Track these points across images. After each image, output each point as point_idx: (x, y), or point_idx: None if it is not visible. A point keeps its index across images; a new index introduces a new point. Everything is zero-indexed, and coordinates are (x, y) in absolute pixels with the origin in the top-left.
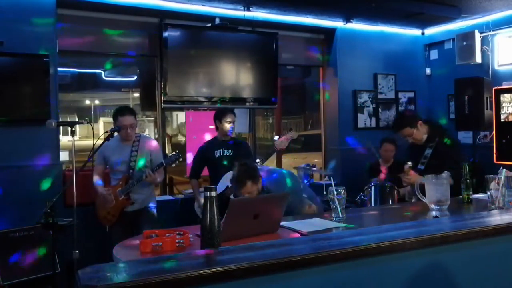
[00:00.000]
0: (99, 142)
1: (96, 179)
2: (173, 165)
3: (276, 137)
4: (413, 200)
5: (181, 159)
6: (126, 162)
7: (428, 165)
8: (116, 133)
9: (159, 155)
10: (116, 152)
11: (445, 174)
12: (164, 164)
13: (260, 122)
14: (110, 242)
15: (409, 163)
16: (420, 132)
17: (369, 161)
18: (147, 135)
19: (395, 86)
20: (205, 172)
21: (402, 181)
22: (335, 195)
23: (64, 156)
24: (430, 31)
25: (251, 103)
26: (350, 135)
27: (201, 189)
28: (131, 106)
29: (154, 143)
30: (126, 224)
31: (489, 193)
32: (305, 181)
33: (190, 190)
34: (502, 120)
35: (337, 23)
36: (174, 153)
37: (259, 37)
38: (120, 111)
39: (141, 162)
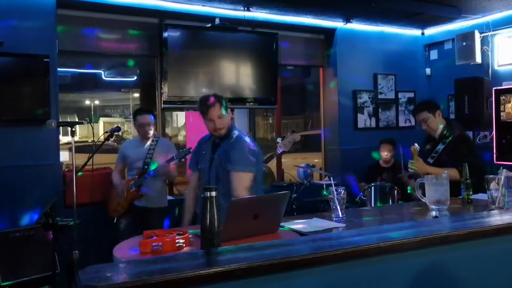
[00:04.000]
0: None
1: (115, 175)
2: (183, 160)
3: (279, 139)
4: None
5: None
6: (142, 158)
7: (437, 159)
8: (116, 133)
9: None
10: (134, 150)
11: (445, 174)
12: (175, 158)
13: (260, 122)
14: (116, 234)
15: (416, 144)
16: (436, 122)
17: (368, 163)
18: (164, 138)
19: (395, 86)
20: None
21: (405, 181)
22: (335, 195)
23: (64, 156)
24: (430, 31)
25: (251, 103)
26: (350, 135)
27: None
28: (131, 106)
29: (170, 144)
30: (133, 219)
31: (489, 193)
32: (305, 181)
33: None
34: (502, 120)
35: (337, 23)
36: (185, 148)
37: (259, 37)
38: (138, 111)
39: (157, 161)
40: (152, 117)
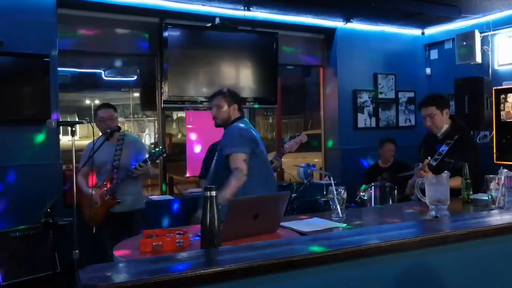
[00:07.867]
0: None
1: (80, 180)
2: (157, 161)
3: (286, 139)
4: (413, 197)
5: (164, 155)
6: (110, 161)
7: (441, 161)
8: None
9: (143, 152)
10: (100, 152)
11: (445, 174)
12: (148, 161)
13: (260, 122)
14: (98, 244)
15: (429, 158)
16: (442, 120)
17: (368, 164)
18: (131, 134)
19: (395, 86)
20: None
21: (403, 180)
22: (335, 195)
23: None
24: (430, 31)
25: (251, 103)
26: (350, 135)
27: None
28: (131, 106)
29: (137, 141)
30: (114, 226)
31: (489, 193)
32: (305, 181)
33: (190, 190)
34: (502, 120)
35: (337, 23)
36: (157, 149)
37: (259, 37)
38: (99, 106)
39: (125, 161)
40: (114, 111)
